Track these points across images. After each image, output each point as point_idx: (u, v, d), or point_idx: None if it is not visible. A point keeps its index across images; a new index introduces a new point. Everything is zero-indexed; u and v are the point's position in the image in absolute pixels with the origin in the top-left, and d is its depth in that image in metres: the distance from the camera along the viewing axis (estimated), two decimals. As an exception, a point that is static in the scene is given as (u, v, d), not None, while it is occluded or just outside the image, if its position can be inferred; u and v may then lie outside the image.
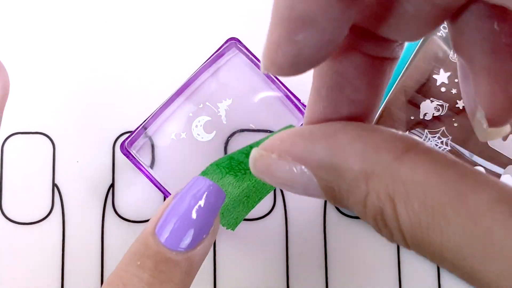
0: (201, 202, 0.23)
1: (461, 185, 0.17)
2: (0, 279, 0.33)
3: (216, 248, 0.33)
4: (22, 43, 0.35)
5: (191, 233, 0.23)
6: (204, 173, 0.26)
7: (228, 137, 0.33)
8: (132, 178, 0.34)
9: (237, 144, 0.33)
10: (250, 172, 0.22)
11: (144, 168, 0.31)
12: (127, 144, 0.31)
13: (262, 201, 0.34)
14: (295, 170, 0.20)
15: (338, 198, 0.19)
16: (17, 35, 0.35)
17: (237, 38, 0.32)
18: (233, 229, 0.26)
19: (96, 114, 0.34)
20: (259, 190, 0.26)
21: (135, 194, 0.34)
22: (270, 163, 0.20)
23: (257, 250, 0.33)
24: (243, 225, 0.34)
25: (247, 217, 0.34)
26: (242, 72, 0.33)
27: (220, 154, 0.33)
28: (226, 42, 0.32)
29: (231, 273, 0.33)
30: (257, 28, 0.31)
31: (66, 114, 0.34)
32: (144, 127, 0.32)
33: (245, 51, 0.32)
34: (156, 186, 0.31)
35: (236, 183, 0.26)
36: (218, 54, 0.32)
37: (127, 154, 0.31)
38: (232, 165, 0.25)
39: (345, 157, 0.19)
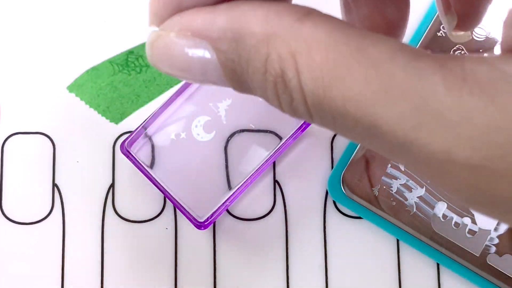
0: None
1: (362, 39, 0.17)
2: (0, 279, 0.33)
3: (216, 248, 0.33)
4: (22, 43, 0.35)
5: None
6: (95, 69, 0.25)
7: (228, 137, 0.33)
8: (132, 178, 0.34)
9: (237, 144, 0.33)
10: (146, 70, 0.21)
11: (144, 168, 0.31)
12: (127, 144, 0.31)
13: (262, 201, 0.34)
14: (194, 46, 0.19)
15: (238, 72, 0.19)
16: (17, 35, 0.35)
17: None
18: (116, 123, 0.25)
19: (96, 114, 0.34)
20: (151, 90, 0.25)
21: (135, 194, 0.34)
22: (168, 43, 0.19)
23: (257, 250, 0.33)
24: (243, 225, 0.34)
25: (246, 217, 0.34)
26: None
27: (220, 154, 0.33)
28: None
29: (231, 273, 0.33)
30: None
31: (66, 114, 0.34)
32: (144, 127, 0.32)
33: None
34: (156, 186, 0.31)
35: (128, 82, 0.25)
36: None
37: (127, 154, 0.31)
38: (129, 61, 0.24)
39: (246, 22, 0.18)
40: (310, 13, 0.18)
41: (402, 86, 0.16)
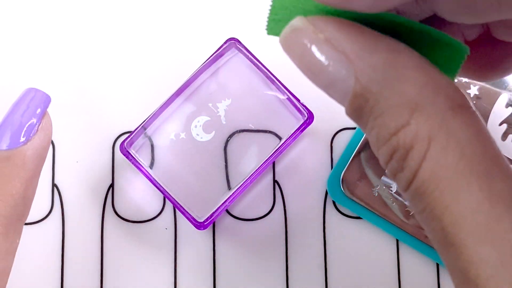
0: (22, 105, 0.25)
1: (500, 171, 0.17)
2: (0, 279, 0.33)
3: (216, 248, 0.33)
4: (22, 43, 0.35)
5: (8, 132, 0.24)
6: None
7: (228, 137, 0.33)
8: (131, 178, 0.34)
9: (236, 145, 0.33)
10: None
11: (143, 168, 0.31)
12: (126, 144, 0.31)
13: (261, 201, 0.34)
14: (339, 62, 0.18)
15: (363, 111, 0.18)
16: (16, 35, 0.35)
17: (237, 38, 0.32)
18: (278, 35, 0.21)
19: (96, 114, 0.34)
20: None
21: (134, 194, 0.34)
22: (312, 40, 0.18)
23: (256, 250, 0.33)
24: (243, 225, 0.34)
25: (246, 217, 0.34)
26: (241, 72, 0.33)
27: (220, 155, 0.33)
28: (225, 42, 0.32)
29: (230, 273, 0.33)
30: (257, 28, 0.31)
31: (66, 114, 0.34)
32: (143, 127, 0.32)
33: (245, 51, 0.32)
34: (156, 186, 0.31)
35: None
36: (218, 54, 0.32)
37: (126, 154, 0.31)
38: None
39: (403, 79, 0.18)
40: (463, 106, 0.17)
41: (503, 236, 0.16)
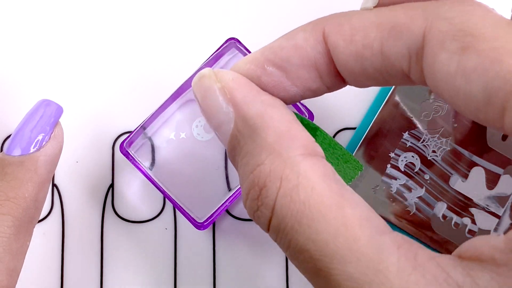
0: (36, 115, 0.27)
1: (343, 199, 0.20)
2: (0, 279, 0.33)
3: (216, 248, 0.33)
4: (22, 43, 0.35)
5: (18, 147, 0.26)
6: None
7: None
8: (131, 178, 0.34)
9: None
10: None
11: (143, 168, 0.31)
12: (126, 144, 0.31)
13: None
14: (224, 108, 0.22)
15: (236, 150, 0.22)
16: (17, 35, 0.35)
17: (237, 38, 0.32)
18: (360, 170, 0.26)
19: (96, 114, 0.34)
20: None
21: (134, 195, 0.34)
22: (208, 88, 0.23)
23: (256, 250, 0.33)
24: (243, 225, 0.34)
25: (246, 217, 0.34)
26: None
27: (220, 154, 0.33)
28: (225, 42, 0.32)
29: (230, 273, 0.33)
30: (257, 28, 0.31)
31: (66, 114, 0.34)
32: (143, 127, 0.32)
33: (245, 51, 0.32)
34: (156, 186, 0.31)
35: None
36: (218, 54, 0.32)
37: (126, 154, 0.31)
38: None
39: (267, 125, 0.21)
40: (313, 154, 0.21)
41: (363, 252, 0.18)
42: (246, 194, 0.21)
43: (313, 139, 0.22)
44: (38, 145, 0.26)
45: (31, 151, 0.26)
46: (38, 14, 0.35)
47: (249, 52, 0.32)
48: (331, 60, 0.22)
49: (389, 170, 0.33)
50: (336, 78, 0.23)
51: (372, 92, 0.34)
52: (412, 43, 0.20)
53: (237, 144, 0.22)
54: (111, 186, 0.34)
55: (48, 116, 0.27)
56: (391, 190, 0.32)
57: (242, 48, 0.32)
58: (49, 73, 0.35)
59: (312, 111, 0.32)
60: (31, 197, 0.26)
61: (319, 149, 0.21)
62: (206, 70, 0.23)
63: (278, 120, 0.21)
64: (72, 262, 0.33)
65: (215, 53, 0.32)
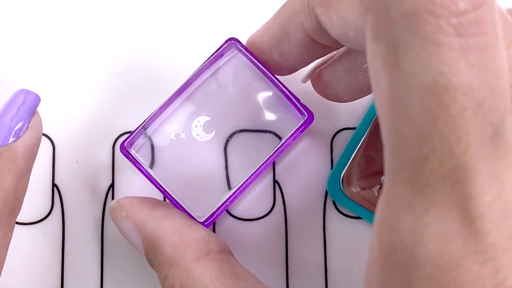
0: (16, 103, 0.27)
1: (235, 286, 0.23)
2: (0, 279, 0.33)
3: (216, 248, 0.33)
4: (22, 42, 0.35)
5: (4, 128, 0.26)
6: None
7: (228, 137, 0.33)
8: (132, 178, 0.34)
9: (237, 145, 0.33)
10: None
11: (143, 168, 0.31)
12: (126, 144, 0.31)
13: (261, 201, 0.34)
14: (132, 232, 0.26)
15: (154, 267, 0.26)
16: (17, 34, 0.35)
17: (237, 39, 0.32)
18: None
19: (96, 114, 0.34)
20: None
21: (135, 194, 0.34)
22: (118, 218, 0.28)
23: (256, 250, 0.33)
24: (243, 225, 0.34)
25: (246, 217, 0.34)
26: (241, 72, 0.33)
27: (220, 154, 0.33)
28: (225, 42, 0.32)
29: (231, 273, 0.33)
30: (257, 28, 0.31)
31: (66, 114, 0.34)
32: (143, 127, 0.32)
33: (245, 51, 0.32)
34: (156, 186, 0.31)
35: None
36: (218, 54, 0.32)
37: (127, 154, 0.31)
38: None
39: (163, 239, 0.25)
40: (208, 254, 0.24)
41: None
42: None
43: (207, 236, 0.25)
44: (16, 135, 0.26)
45: (10, 141, 0.26)
46: (39, 12, 0.35)
47: (249, 52, 0.32)
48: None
49: (389, 170, 0.33)
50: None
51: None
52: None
53: (150, 262, 0.26)
54: (111, 186, 0.34)
55: (28, 105, 0.27)
56: (391, 190, 0.32)
57: (242, 48, 0.32)
58: (49, 73, 0.35)
59: (312, 111, 0.32)
60: (10, 188, 0.25)
61: (216, 245, 0.25)
62: (113, 202, 0.28)
63: (171, 231, 0.25)
64: (72, 262, 0.33)
65: (215, 53, 0.32)
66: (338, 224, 0.34)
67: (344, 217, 0.34)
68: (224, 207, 0.31)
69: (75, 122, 0.34)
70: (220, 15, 0.35)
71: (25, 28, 0.35)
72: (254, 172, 0.31)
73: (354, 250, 0.33)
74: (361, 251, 0.33)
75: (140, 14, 0.35)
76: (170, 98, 0.32)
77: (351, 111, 0.34)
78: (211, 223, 0.31)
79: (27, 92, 0.27)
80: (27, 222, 0.33)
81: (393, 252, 0.17)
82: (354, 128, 0.34)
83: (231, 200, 0.31)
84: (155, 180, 0.31)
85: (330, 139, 0.34)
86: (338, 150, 0.34)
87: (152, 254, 0.26)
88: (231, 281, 0.23)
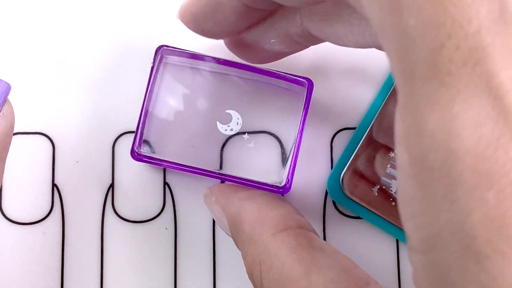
0: None
1: (311, 265, 0.22)
2: (0, 279, 0.33)
3: (216, 248, 0.33)
4: (22, 42, 0.35)
5: None
6: None
7: (227, 138, 0.33)
8: (131, 178, 0.34)
9: (237, 145, 0.33)
10: None
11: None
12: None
13: (262, 201, 0.34)
14: (220, 215, 0.27)
15: (238, 246, 0.27)
16: (16, 34, 0.35)
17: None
18: None
19: (96, 114, 0.34)
20: None
21: (134, 194, 0.34)
22: (210, 203, 0.29)
23: (257, 250, 0.33)
24: (243, 225, 0.34)
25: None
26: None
27: (216, 154, 0.33)
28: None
29: (231, 273, 0.33)
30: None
31: (66, 114, 0.34)
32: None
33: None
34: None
35: None
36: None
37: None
38: None
39: (243, 219, 0.25)
40: (284, 229, 0.24)
41: None
42: (251, 278, 0.25)
43: (286, 214, 0.25)
44: None
45: None
46: (40, 13, 0.35)
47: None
48: None
49: (389, 170, 0.33)
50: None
51: (372, 92, 0.34)
52: None
53: (236, 242, 0.27)
54: (111, 186, 0.34)
55: None
56: (391, 190, 0.32)
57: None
58: (49, 73, 0.35)
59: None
60: None
61: (294, 221, 0.24)
62: (205, 190, 0.30)
63: (250, 210, 0.25)
64: (72, 262, 0.33)
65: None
66: (338, 224, 0.34)
67: (344, 217, 0.34)
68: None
69: (75, 122, 0.34)
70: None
71: (25, 28, 0.35)
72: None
73: (354, 250, 0.33)
74: (361, 251, 0.33)
75: (140, 14, 0.35)
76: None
77: (351, 111, 0.34)
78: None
79: None
80: (27, 222, 0.33)
81: (427, 156, 0.16)
82: (354, 128, 0.34)
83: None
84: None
85: (330, 139, 0.34)
86: (338, 150, 0.34)
87: (235, 234, 0.26)
88: (308, 253, 0.22)
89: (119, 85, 0.35)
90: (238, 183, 0.30)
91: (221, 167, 0.33)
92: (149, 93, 0.31)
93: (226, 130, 0.33)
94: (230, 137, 0.33)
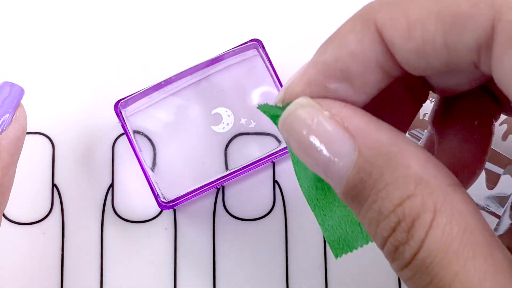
0: (1, 96, 0.26)
1: (491, 241, 0.18)
2: (0, 279, 0.33)
3: (216, 248, 0.33)
4: (21, 42, 0.35)
5: None
6: None
7: (230, 139, 0.33)
8: (131, 178, 0.34)
9: (237, 147, 0.33)
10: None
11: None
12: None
13: (261, 201, 0.34)
14: (342, 139, 0.19)
15: (364, 184, 0.19)
16: (16, 34, 0.35)
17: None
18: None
19: (96, 114, 0.34)
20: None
21: (134, 194, 0.34)
22: (314, 117, 0.19)
23: (256, 250, 0.33)
24: (243, 225, 0.34)
25: (246, 217, 0.34)
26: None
27: (220, 156, 0.33)
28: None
29: (231, 273, 0.33)
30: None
31: (66, 114, 0.34)
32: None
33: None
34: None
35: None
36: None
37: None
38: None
39: (406, 152, 0.19)
40: (459, 184, 0.19)
41: None
42: (392, 228, 0.19)
43: (448, 170, 0.20)
44: (0, 127, 0.26)
45: None
46: (40, 13, 0.35)
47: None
48: (392, 54, 0.20)
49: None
50: (403, 70, 0.20)
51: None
52: (479, 35, 0.18)
53: (368, 177, 0.19)
54: (111, 186, 0.34)
55: (13, 97, 0.26)
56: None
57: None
58: (49, 73, 0.35)
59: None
60: None
61: (458, 181, 0.19)
62: (302, 99, 0.20)
63: (416, 148, 0.19)
64: (72, 262, 0.33)
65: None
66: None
67: (344, 217, 0.34)
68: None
69: (75, 122, 0.34)
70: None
71: (24, 28, 0.35)
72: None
73: (354, 250, 0.33)
74: (361, 251, 0.33)
75: (141, 15, 0.35)
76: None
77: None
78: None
79: (12, 85, 0.26)
80: (27, 222, 0.33)
81: None
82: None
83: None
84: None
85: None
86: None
87: (379, 166, 0.19)
88: (486, 226, 0.18)
89: (119, 85, 0.35)
90: (247, 170, 0.31)
91: (226, 168, 0.33)
92: (137, 152, 0.32)
93: (224, 128, 0.33)
94: (232, 138, 0.33)
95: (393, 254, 0.19)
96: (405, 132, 0.24)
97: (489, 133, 0.24)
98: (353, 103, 0.20)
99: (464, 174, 0.24)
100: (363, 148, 0.19)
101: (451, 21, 0.18)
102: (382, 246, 0.20)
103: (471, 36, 0.18)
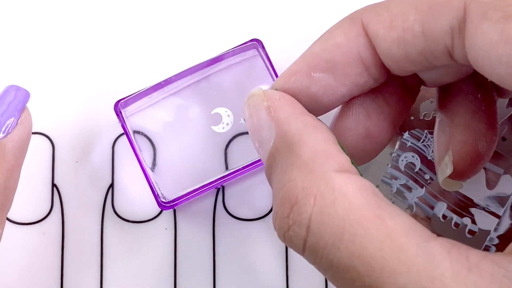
0: (6, 99, 0.26)
1: (383, 210, 0.19)
2: (-1, 279, 0.33)
3: (216, 248, 0.33)
4: (21, 42, 0.35)
5: None
6: None
7: (230, 139, 0.33)
8: (131, 178, 0.34)
9: (237, 147, 0.33)
10: None
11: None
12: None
13: (261, 201, 0.34)
14: (266, 125, 0.22)
15: (272, 168, 0.22)
16: (16, 34, 0.35)
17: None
18: None
19: (96, 114, 0.34)
20: None
21: (134, 195, 0.34)
22: (258, 105, 0.23)
23: (256, 250, 0.33)
24: (243, 225, 0.34)
25: (246, 217, 0.34)
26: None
27: (220, 156, 0.33)
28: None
29: (230, 273, 0.33)
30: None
31: (66, 114, 0.34)
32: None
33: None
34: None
35: None
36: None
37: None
38: None
39: (303, 143, 0.21)
40: (348, 171, 0.20)
41: (413, 261, 0.18)
42: (276, 212, 0.20)
43: (350, 162, 0.21)
44: (6, 131, 0.26)
45: (0, 136, 0.26)
46: (39, 14, 0.35)
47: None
48: (375, 50, 0.22)
49: (389, 170, 0.33)
50: (382, 69, 0.23)
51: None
52: (453, 18, 0.20)
53: (273, 162, 0.21)
54: (111, 186, 0.34)
55: (18, 100, 0.27)
56: (392, 190, 0.32)
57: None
58: (49, 73, 0.35)
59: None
60: (0, 185, 0.25)
61: (354, 169, 0.21)
62: (256, 89, 0.23)
63: (316, 139, 0.21)
64: (72, 262, 0.33)
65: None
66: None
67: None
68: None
69: (75, 122, 0.34)
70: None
71: (24, 29, 0.35)
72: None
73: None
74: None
75: (141, 15, 0.35)
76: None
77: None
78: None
79: (17, 88, 0.27)
80: (27, 222, 0.33)
81: None
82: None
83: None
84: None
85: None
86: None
87: (281, 153, 0.21)
88: (374, 198, 0.19)
89: (118, 85, 0.35)
90: (247, 170, 0.31)
91: (226, 168, 0.33)
92: (137, 152, 0.32)
93: (223, 128, 0.33)
94: (232, 138, 0.33)
95: (284, 240, 0.21)
96: (400, 123, 0.26)
97: (493, 101, 0.25)
98: (338, 95, 0.23)
99: (483, 142, 0.25)
100: (277, 137, 0.21)
101: (427, 10, 0.20)
102: (275, 226, 0.21)
103: (445, 20, 0.20)
